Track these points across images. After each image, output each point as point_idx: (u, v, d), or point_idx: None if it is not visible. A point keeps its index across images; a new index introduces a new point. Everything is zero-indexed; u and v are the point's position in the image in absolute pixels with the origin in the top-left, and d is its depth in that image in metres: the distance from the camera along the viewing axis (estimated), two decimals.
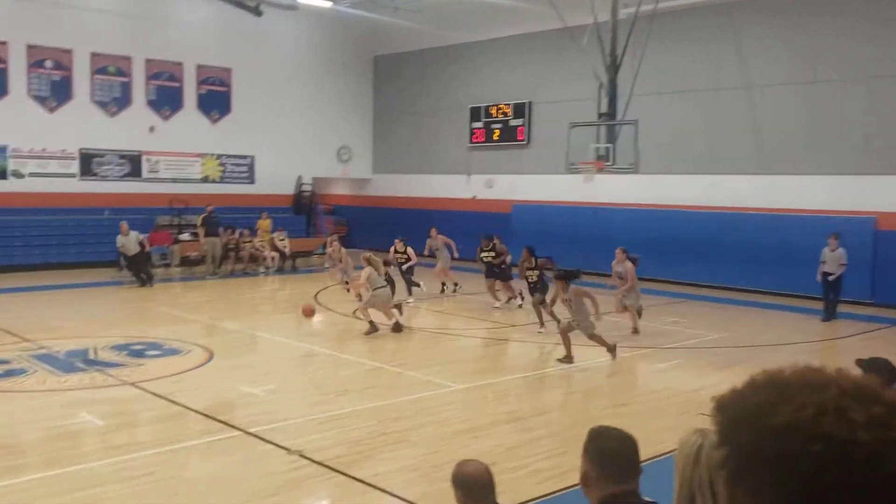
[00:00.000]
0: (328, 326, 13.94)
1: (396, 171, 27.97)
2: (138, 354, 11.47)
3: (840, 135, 17.87)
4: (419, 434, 7.94)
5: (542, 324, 13.56)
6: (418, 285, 16.91)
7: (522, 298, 16.00)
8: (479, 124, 25.04)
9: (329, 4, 24.82)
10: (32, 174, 21.65)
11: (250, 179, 25.95)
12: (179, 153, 24.28)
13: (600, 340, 11.02)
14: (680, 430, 1.23)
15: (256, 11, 23.47)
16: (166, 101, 23.93)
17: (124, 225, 18.39)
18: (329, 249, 17.27)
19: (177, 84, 24.14)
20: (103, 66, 22.67)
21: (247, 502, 6.16)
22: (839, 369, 0.93)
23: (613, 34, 19.87)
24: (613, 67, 20.33)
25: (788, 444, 0.84)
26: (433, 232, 18.70)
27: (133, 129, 23.20)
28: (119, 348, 11.73)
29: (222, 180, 25.29)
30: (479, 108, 24.96)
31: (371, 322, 12.91)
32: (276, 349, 12.62)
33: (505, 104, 24.34)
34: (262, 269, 22.05)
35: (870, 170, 17.36)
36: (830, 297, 15.28)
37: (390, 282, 13.75)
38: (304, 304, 14.08)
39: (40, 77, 21.65)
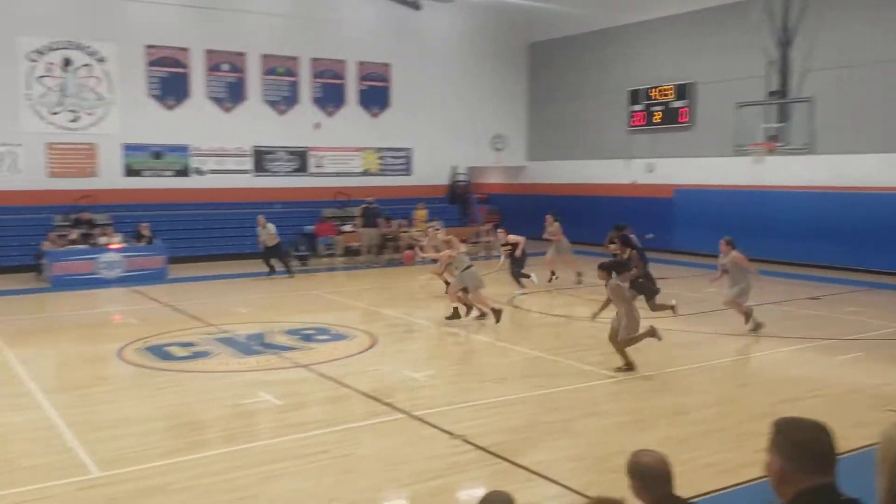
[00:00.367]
0: (487, 316, 13.99)
1: (552, 157, 27.72)
2: (309, 339, 12.05)
3: None
4: (582, 424, 7.83)
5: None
6: (528, 276, 16.30)
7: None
8: (638, 107, 24.34)
9: None
10: (212, 171, 23.23)
11: (407, 171, 26.57)
12: (342, 148, 25.23)
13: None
14: (870, 426, 1.10)
15: (416, 6, 23.96)
16: (330, 98, 24.92)
17: (261, 218, 19.13)
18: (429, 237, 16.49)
19: (340, 81, 25.08)
20: (273, 66, 23.92)
21: (415, 482, 6.31)
22: None
23: (785, 7, 18.70)
24: (785, 42, 19.18)
25: None
26: (549, 219, 17.96)
27: (300, 126, 24.36)
28: (292, 333, 12.37)
29: (381, 173, 26.06)
30: (639, 90, 24.25)
31: (455, 308, 12.83)
32: (434, 336, 12.84)
33: (666, 86, 23.51)
34: (418, 259, 22.49)
35: None
36: None
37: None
38: (406, 252, 13.76)
39: (217, 80, 23.14)
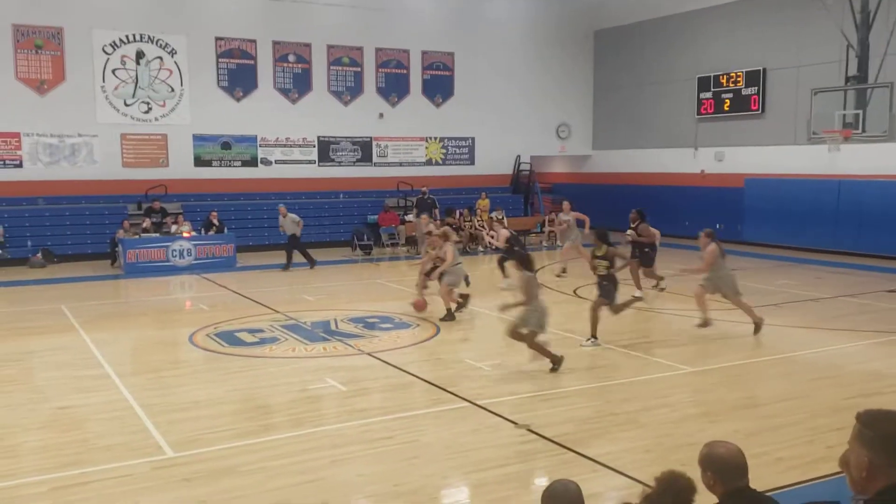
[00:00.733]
0: (573, 304, 13.90)
1: (617, 146, 27.33)
2: (373, 327, 12.17)
3: None
4: (650, 416, 7.72)
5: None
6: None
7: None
8: (707, 95, 23.80)
9: None
10: (278, 161, 23.63)
11: (470, 160, 26.55)
12: (405, 138, 25.35)
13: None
14: None
15: None
16: (394, 87, 25.05)
17: (282, 208, 19.07)
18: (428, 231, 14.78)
19: (404, 71, 25.19)
20: (338, 57, 24.16)
21: (479, 470, 6.32)
22: None
23: None
24: (865, 26, 18.48)
25: None
26: (565, 206, 17.57)
27: (364, 116, 24.56)
28: (356, 321, 12.51)
29: (444, 162, 26.10)
30: (708, 77, 23.70)
31: (449, 309, 12.54)
32: (496, 326, 12.79)
33: (736, 72, 22.91)
34: (480, 248, 22.51)
35: None
36: None
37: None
38: (416, 300, 13.05)
39: (284, 71, 23.50)
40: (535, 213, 25.96)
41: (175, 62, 22.07)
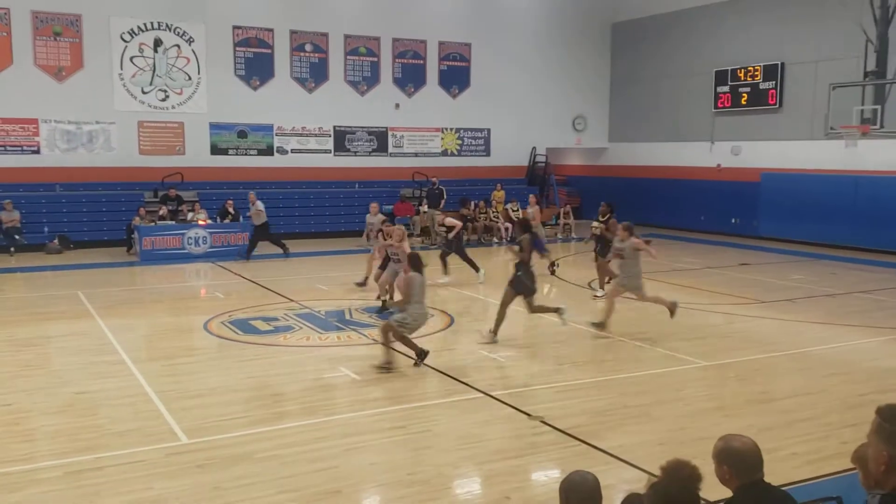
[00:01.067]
0: (563, 297, 13.89)
1: (633, 139, 27.20)
2: (386, 317, 12.15)
3: None
4: (663, 409, 7.71)
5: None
6: (477, 269, 15.28)
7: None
8: (724, 88, 23.62)
9: None
10: (294, 150, 23.67)
11: (486, 152, 26.50)
12: (421, 128, 25.33)
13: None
14: None
15: None
16: (410, 78, 25.02)
17: (252, 195, 18.76)
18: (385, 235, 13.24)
19: (420, 61, 25.15)
20: (355, 47, 24.15)
21: (492, 461, 6.33)
22: None
23: None
24: (884, 21, 18.29)
25: None
26: (531, 200, 17.34)
27: (380, 106, 24.55)
28: (369, 310, 12.54)
29: (460, 153, 26.07)
30: (726, 71, 23.52)
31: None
32: (511, 317, 12.78)
33: (754, 66, 22.73)
34: (495, 240, 22.50)
35: None
36: None
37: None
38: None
39: (301, 60, 23.51)
40: (550, 206, 25.89)
41: (192, 50, 22.13)
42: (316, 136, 23.95)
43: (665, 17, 25.63)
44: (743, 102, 23.16)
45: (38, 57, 20.50)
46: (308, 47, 23.58)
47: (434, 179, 22.88)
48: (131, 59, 21.49)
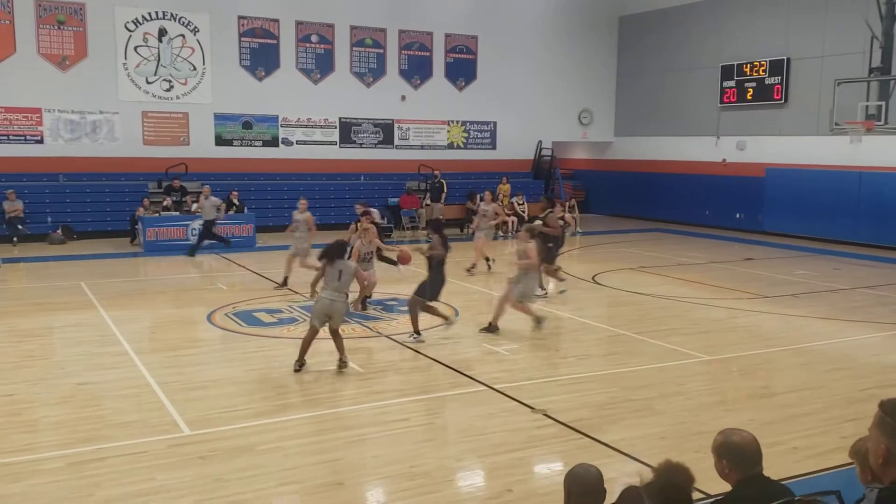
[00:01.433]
0: (568, 291, 13.88)
1: (639, 133, 27.14)
2: (391, 310, 12.21)
3: None
4: (666, 403, 7.71)
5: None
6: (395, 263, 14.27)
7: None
8: (730, 83, 23.55)
9: None
10: (299, 142, 23.66)
11: (492, 145, 26.46)
12: (427, 121, 25.29)
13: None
14: None
15: None
16: (417, 70, 24.97)
17: (206, 189, 18.26)
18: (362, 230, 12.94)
19: (427, 53, 25.10)
20: (361, 38, 24.11)
21: (494, 454, 6.34)
22: None
23: None
24: (891, 16, 18.21)
25: None
26: (487, 196, 16.92)
27: (386, 98, 24.52)
28: (374, 303, 12.55)
29: (465, 146, 26.04)
30: (732, 66, 23.44)
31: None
32: (514, 310, 12.79)
33: (760, 61, 22.65)
34: (500, 233, 22.47)
35: None
36: None
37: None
38: (402, 254, 11.94)
39: (307, 51, 23.48)
40: (556, 199, 25.83)
41: (197, 40, 22.11)
42: (321, 127, 23.94)
43: (672, 12, 25.55)
44: (748, 97, 23.09)
45: (42, 45, 20.50)
46: (314, 38, 23.54)
47: (436, 172, 22.85)
48: (135, 48, 21.48)
